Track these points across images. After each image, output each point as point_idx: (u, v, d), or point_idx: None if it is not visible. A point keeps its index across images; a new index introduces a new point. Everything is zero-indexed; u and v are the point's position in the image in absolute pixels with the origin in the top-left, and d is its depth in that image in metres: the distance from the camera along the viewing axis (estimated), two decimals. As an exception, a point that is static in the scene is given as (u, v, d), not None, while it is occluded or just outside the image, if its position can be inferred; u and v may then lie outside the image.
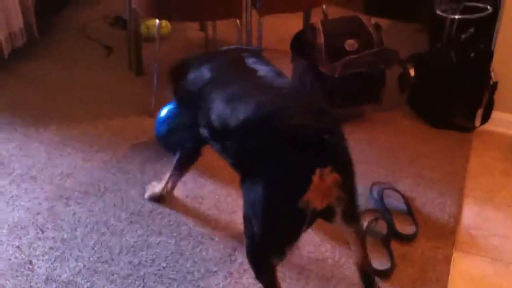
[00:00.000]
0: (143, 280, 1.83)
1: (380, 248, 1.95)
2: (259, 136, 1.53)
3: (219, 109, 1.69)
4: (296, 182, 1.46)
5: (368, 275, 1.71)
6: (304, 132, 1.44)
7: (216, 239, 2.00)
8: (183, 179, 2.20)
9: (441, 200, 2.23)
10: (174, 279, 1.84)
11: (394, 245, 1.98)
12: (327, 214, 1.56)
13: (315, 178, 1.43)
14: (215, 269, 1.88)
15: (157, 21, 2.72)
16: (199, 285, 1.82)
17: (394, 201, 2.17)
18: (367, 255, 1.71)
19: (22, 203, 2.13)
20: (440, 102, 2.70)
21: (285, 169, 1.46)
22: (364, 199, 2.19)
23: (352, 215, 1.61)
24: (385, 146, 2.55)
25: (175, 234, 2.02)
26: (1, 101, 2.82)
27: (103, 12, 3.78)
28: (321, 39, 2.60)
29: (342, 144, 1.55)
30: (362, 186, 2.24)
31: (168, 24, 3.45)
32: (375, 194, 2.20)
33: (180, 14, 2.73)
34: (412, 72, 2.84)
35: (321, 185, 1.45)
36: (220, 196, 2.21)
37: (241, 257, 1.91)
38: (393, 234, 2.02)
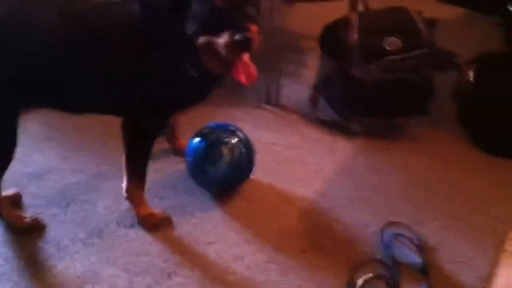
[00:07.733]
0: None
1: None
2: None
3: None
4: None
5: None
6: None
7: (176, 279, 1.65)
8: (163, 194, 1.91)
9: (472, 254, 1.73)
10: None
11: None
12: None
13: None
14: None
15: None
16: None
17: (407, 251, 1.71)
18: None
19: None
20: (503, 121, 2.15)
21: None
22: (372, 243, 1.76)
23: None
24: (419, 174, 2.06)
25: (130, 267, 1.69)
26: None
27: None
28: (354, 34, 2.14)
29: None
30: (375, 225, 1.81)
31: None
32: (386, 238, 1.75)
33: None
34: (471, 77, 2.29)
35: None
36: (198, 222, 1.85)
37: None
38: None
